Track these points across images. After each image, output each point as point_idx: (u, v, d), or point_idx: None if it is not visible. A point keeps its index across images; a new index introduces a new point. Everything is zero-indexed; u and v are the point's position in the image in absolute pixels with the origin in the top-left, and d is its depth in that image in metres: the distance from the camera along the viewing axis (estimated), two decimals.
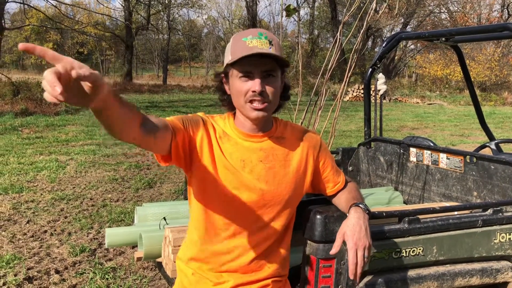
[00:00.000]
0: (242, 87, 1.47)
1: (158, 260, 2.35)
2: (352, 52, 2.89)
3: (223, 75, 1.56)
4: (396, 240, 1.82)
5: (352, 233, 1.47)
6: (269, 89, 1.46)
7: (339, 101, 2.91)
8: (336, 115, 2.94)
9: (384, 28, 33.20)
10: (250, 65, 1.45)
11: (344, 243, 1.48)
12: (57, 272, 3.66)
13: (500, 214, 2.04)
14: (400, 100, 23.95)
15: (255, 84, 1.44)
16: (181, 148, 1.47)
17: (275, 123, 1.63)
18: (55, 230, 4.56)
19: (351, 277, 1.44)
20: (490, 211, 2.04)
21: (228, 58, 1.49)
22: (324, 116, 3.44)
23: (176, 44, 55.74)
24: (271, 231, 1.59)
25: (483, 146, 3.66)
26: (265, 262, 1.61)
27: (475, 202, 2.68)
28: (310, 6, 38.92)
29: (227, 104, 1.59)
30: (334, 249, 1.47)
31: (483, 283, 2.01)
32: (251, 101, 1.47)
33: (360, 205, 1.55)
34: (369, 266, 1.75)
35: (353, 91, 22.68)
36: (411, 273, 1.86)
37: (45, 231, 4.52)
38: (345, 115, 15.26)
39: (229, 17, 51.23)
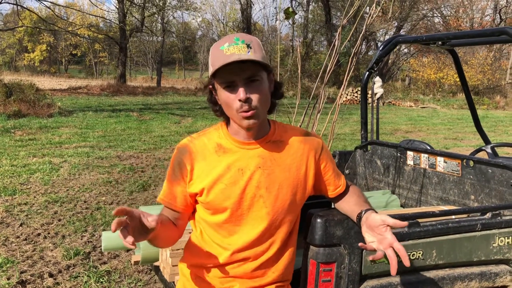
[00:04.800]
0: (228, 98, 1.44)
1: (156, 264, 2.33)
2: (352, 55, 2.89)
3: (210, 86, 1.53)
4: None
5: (392, 235, 1.47)
6: (254, 96, 1.43)
7: (338, 104, 2.91)
8: (335, 118, 2.93)
9: (378, 32, 33.34)
10: (231, 73, 1.41)
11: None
12: (50, 275, 3.62)
13: (499, 218, 2.04)
14: (393, 104, 24.06)
15: (239, 93, 1.41)
16: (191, 200, 1.60)
17: (273, 126, 1.60)
18: (48, 233, 4.51)
19: (393, 273, 1.43)
20: (489, 215, 2.03)
21: (210, 69, 1.47)
22: (321, 119, 3.43)
23: (170, 47, 55.72)
24: (275, 239, 1.57)
25: (479, 150, 3.66)
26: (269, 269, 1.59)
27: (474, 206, 2.68)
28: (305, 9, 39.03)
29: (220, 114, 1.56)
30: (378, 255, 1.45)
31: (482, 287, 2.00)
32: (241, 111, 1.44)
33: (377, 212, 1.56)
34: (368, 271, 1.74)
35: (347, 94, 22.76)
36: (411, 277, 1.85)
37: (39, 234, 4.48)
38: (339, 118, 15.24)
39: (223, 19, 51.28)
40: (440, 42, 3.21)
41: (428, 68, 31.60)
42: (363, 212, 1.55)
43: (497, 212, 2.05)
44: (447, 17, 38.01)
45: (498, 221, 2.03)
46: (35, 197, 5.69)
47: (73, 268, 3.78)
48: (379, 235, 1.46)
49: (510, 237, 2.06)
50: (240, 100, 1.41)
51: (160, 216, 1.44)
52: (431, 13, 37.64)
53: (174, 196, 1.58)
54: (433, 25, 38.23)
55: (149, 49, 49.74)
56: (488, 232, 2.01)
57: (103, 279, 3.60)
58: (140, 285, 3.55)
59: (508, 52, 34.58)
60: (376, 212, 1.53)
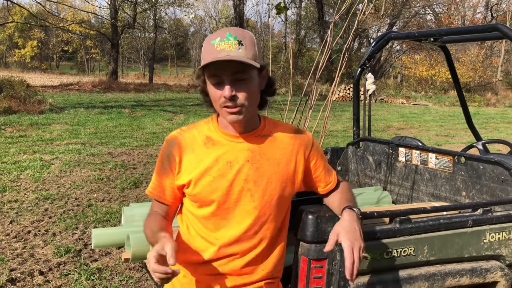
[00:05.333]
0: (215, 94, 1.44)
1: (146, 261, 2.31)
2: (344, 51, 2.88)
3: (202, 77, 1.53)
4: (387, 240, 1.81)
5: (347, 233, 1.44)
6: (240, 94, 1.42)
7: (330, 101, 2.90)
8: (327, 114, 2.92)
9: (370, 29, 33.42)
10: (219, 69, 1.41)
11: (337, 244, 1.45)
12: (41, 273, 3.59)
13: (490, 214, 2.04)
14: (386, 101, 24.13)
15: (224, 90, 1.41)
16: (180, 193, 1.59)
17: (263, 121, 1.59)
18: (39, 231, 4.47)
19: (348, 276, 1.42)
20: (480, 211, 2.04)
21: (202, 62, 1.46)
22: (313, 116, 3.42)
23: (163, 43, 55.48)
24: (263, 235, 1.56)
25: (470, 146, 3.67)
26: (258, 266, 1.58)
27: (465, 202, 2.69)
28: (297, 6, 38.99)
29: (211, 105, 1.54)
30: (328, 247, 1.44)
31: (473, 283, 2.01)
32: (225, 106, 1.44)
33: (354, 209, 1.54)
34: (360, 267, 1.73)
35: (340, 91, 22.78)
36: (402, 273, 1.85)
37: (29, 232, 4.44)
38: (331, 115, 15.28)
39: (216, 16, 51.15)
40: (432, 39, 3.21)
41: (420, 65, 31.71)
42: (341, 213, 1.56)
43: (488, 208, 2.05)
44: (439, 14, 38.17)
45: (489, 217, 2.04)
46: (25, 194, 5.64)
47: (64, 266, 3.75)
48: None
49: (501, 233, 2.06)
50: (225, 97, 1.41)
51: (170, 237, 1.46)
52: (423, 10, 37.78)
53: (163, 188, 1.58)
54: (425, 22, 38.37)
55: (141, 45, 49.47)
56: (479, 228, 2.01)
57: (94, 276, 3.58)
58: (131, 283, 3.53)
59: (499, 50, 34.83)
60: (354, 210, 1.54)
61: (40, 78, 29.87)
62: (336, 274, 1.70)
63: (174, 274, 1.31)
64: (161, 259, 1.32)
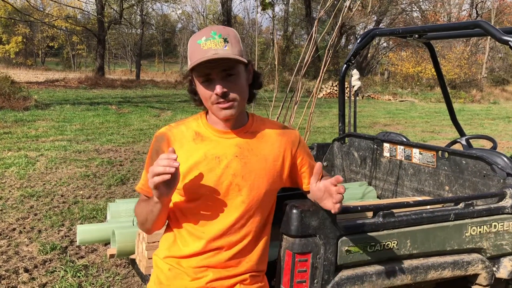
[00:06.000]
0: (205, 92, 1.48)
1: (132, 257, 2.31)
2: (327, 47, 2.90)
3: (190, 77, 1.56)
4: (370, 234, 1.83)
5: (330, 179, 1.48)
6: (231, 89, 1.47)
7: (315, 97, 2.92)
8: (312, 110, 2.94)
9: (358, 26, 33.54)
10: (207, 68, 1.44)
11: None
12: (26, 270, 3.57)
13: (471, 208, 2.08)
14: (372, 97, 24.27)
15: (216, 88, 1.45)
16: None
17: (251, 118, 1.64)
18: (24, 228, 4.44)
19: (336, 208, 1.46)
20: (461, 205, 2.07)
21: (188, 62, 1.49)
22: (299, 112, 3.44)
23: (150, 39, 55.04)
24: (249, 229, 1.59)
25: (454, 142, 3.72)
26: (244, 258, 1.60)
27: (447, 197, 2.73)
28: (285, 2, 39.00)
29: (200, 104, 1.58)
30: (337, 204, 1.46)
31: (455, 275, 2.04)
32: (217, 103, 1.48)
33: None
34: (343, 261, 1.76)
35: (327, 88, 22.86)
36: (386, 266, 1.88)
37: (14, 229, 4.40)
38: (319, 112, 15.37)
39: (203, 12, 50.92)
40: (416, 35, 3.25)
41: (406, 62, 31.94)
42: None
43: (470, 202, 2.09)
44: (425, 12, 38.47)
45: (471, 211, 2.07)
46: (10, 191, 5.58)
47: (50, 263, 3.73)
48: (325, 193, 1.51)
49: (482, 227, 2.10)
50: (217, 95, 1.45)
51: None
52: (410, 7, 38.05)
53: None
54: (411, 19, 38.65)
55: (128, 41, 49.04)
56: (461, 222, 2.05)
57: (80, 273, 3.56)
58: (118, 279, 3.53)
59: (484, 47, 35.22)
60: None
61: (25, 74, 29.46)
62: (320, 268, 1.72)
63: (177, 167, 1.35)
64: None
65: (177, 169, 1.35)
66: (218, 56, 1.41)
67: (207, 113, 1.61)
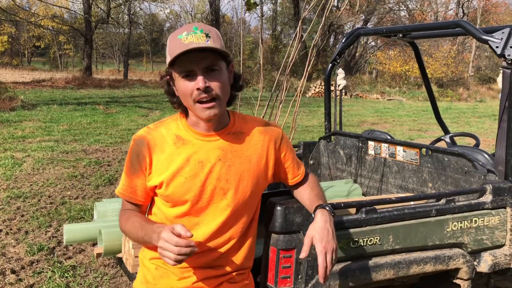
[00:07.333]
0: (186, 88, 1.42)
1: (119, 255, 2.32)
2: (312, 46, 2.93)
3: (168, 77, 1.51)
4: (353, 230, 1.87)
5: (321, 237, 1.46)
6: (214, 84, 1.41)
7: (299, 95, 2.95)
8: (296, 109, 2.97)
9: (345, 25, 33.70)
10: (190, 62, 1.40)
11: (312, 246, 1.47)
12: (13, 272, 3.55)
13: (452, 203, 2.12)
14: (360, 96, 24.41)
15: (198, 82, 1.40)
16: (152, 192, 1.58)
17: (233, 117, 1.60)
18: (11, 229, 4.41)
19: (321, 280, 1.44)
20: (443, 201, 2.12)
21: (168, 59, 1.44)
22: (286, 111, 3.47)
23: (138, 38, 54.70)
24: (235, 230, 1.58)
25: (437, 140, 3.78)
26: (230, 258, 1.60)
27: (429, 193, 2.77)
28: (273, 1, 39.04)
29: (178, 106, 1.54)
30: (304, 253, 1.45)
31: (437, 270, 2.09)
32: (199, 101, 1.43)
33: (326, 208, 1.55)
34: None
35: (316, 87, 22.94)
36: (369, 262, 1.92)
37: (0, 230, 4.37)
38: (307, 111, 15.43)
39: (191, 11, 50.72)
40: (400, 35, 3.30)
41: (394, 61, 32.13)
42: (314, 212, 1.56)
43: (451, 198, 2.14)
44: (412, 11, 38.77)
45: (452, 207, 2.12)
46: None
47: (37, 264, 3.72)
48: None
49: (463, 222, 2.15)
50: (198, 89, 1.40)
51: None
52: (397, 6, 38.32)
53: (134, 189, 1.56)
54: (399, 18, 38.93)
55: (115, 41, 48.73)
56: (442, 217, 2.10)
57: (68, 274, 3.56)
58: (106, 279, 3.53)
59: (470, 46, 35.59)
60: (326, 208, 1.55)
61: (11, 74, 29.15)
62: (304, 263, 1.75)
63: (194, 247, 1.31)
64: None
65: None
66: (201, 46, 1.37)
67: (186, 114, 1.56)
